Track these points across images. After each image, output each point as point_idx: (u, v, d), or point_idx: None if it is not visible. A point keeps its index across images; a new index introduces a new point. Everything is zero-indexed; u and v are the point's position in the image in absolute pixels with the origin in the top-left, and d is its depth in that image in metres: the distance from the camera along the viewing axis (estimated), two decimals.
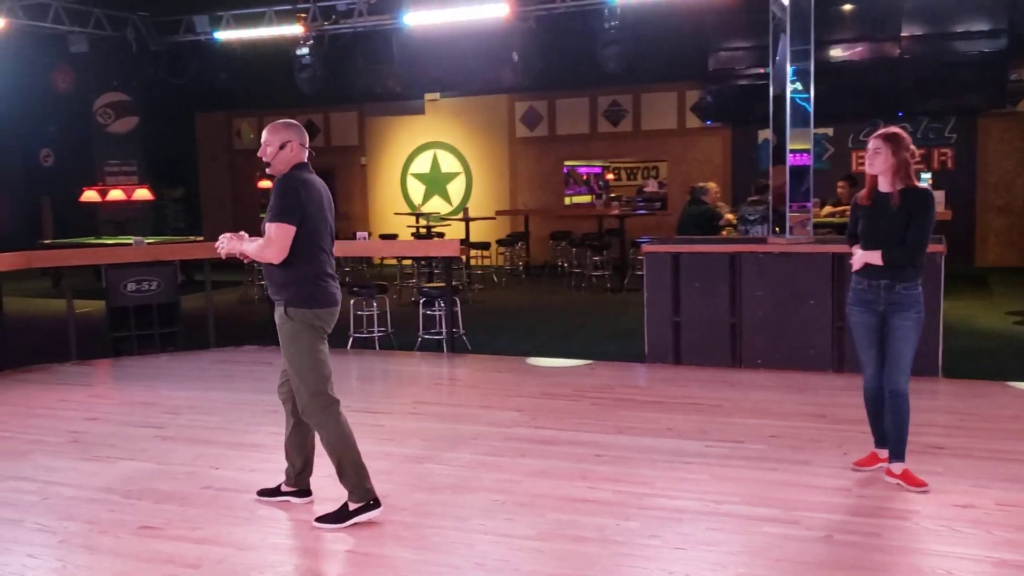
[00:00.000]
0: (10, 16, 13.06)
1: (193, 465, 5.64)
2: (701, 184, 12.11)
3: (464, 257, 11.97)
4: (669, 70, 15.63)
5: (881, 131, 5.07)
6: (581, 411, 6.95)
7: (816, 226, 9.11)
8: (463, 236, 15.72)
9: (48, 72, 16.44)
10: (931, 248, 5.21)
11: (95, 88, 16.36)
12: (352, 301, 9.73)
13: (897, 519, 4.67)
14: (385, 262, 17.49)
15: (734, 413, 6.78)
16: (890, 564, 4.15)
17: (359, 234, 10.94)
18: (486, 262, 15.63)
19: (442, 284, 9.71)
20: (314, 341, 4.85)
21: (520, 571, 4.16)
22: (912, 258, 5.03)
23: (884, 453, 5.28)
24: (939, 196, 10.19)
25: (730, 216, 11.71)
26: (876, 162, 5.03)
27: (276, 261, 4.71)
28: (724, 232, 11.36)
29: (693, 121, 16.59)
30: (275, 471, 5.61)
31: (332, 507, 4.83)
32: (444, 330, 9.51)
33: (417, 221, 16.62)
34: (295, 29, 14.05)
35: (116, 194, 16.19)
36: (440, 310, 9.60)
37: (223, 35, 14.64)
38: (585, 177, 20.28)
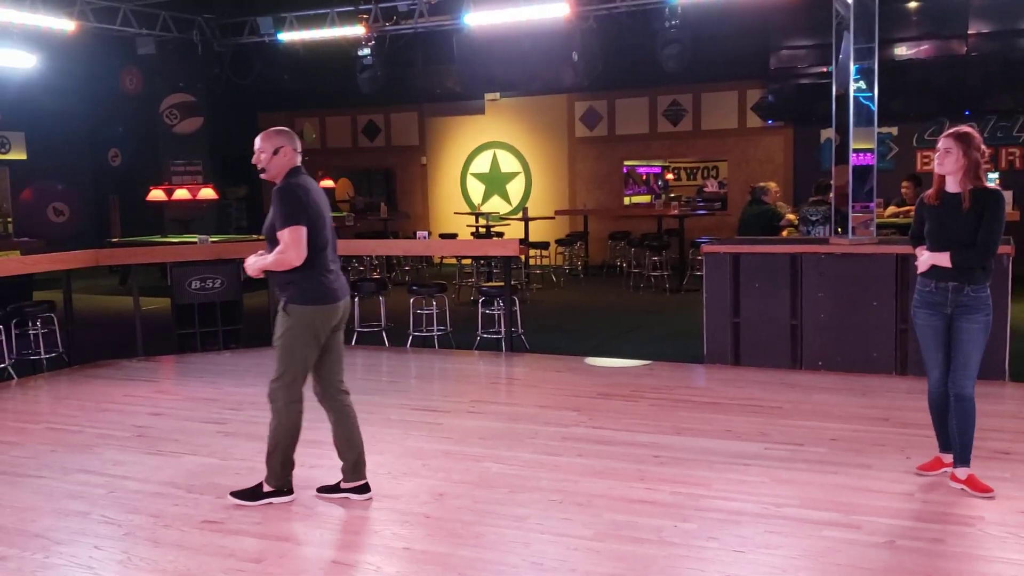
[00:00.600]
0: (81, 19, 13.37)
1: (254, 461, 5.73)
2: (762, 184, 11.97)
3: (523, 256, 11.99)
4: (730, 69, 15.49)
5: (952, 130, 4.98)
6: (639, 411, 6.93)
7: (879, 227, 8.97)
8: (522, 235, 15.72)
9: (117, 73, 16.78)
10: (999, 250, 5.10)
11: (161, 89, 16.65)
12: (412, 300, 9.82)
13: (962, 525, 4.58)
14: (445, 261, 17.58)
15: (794, 415, 6.71)
16: (954, 571, 4.08)
17: (419, 233, 11.02)
18: (545, 261, 15.64)
19: (501, 283, 9.73)
20: (308, 340, 5.01)
21: (577, 571, 4.16)
22: (982, 260, 4.93)
23: (948, 458, 5.19)
24: (1007, 196, 9.97)
25: (791, 216, 11.57)
26: (947, 162, 4.94)
27: (298, 262, 4.90)
28: (785, 233, 11.23)
29: (754, 120, 16.41)
30: (333, 467, 5.67)
31: (246, 487, 5.19)
32: (503, 329, 9.53)
33: (476, 220, 16.66)
34: (357, 30, 14.17)
35: (181, 193, 16.46)
36: (499, 309, 9.63)
37: (286, 36, 14.82)
38: (644, 177, 20.20)
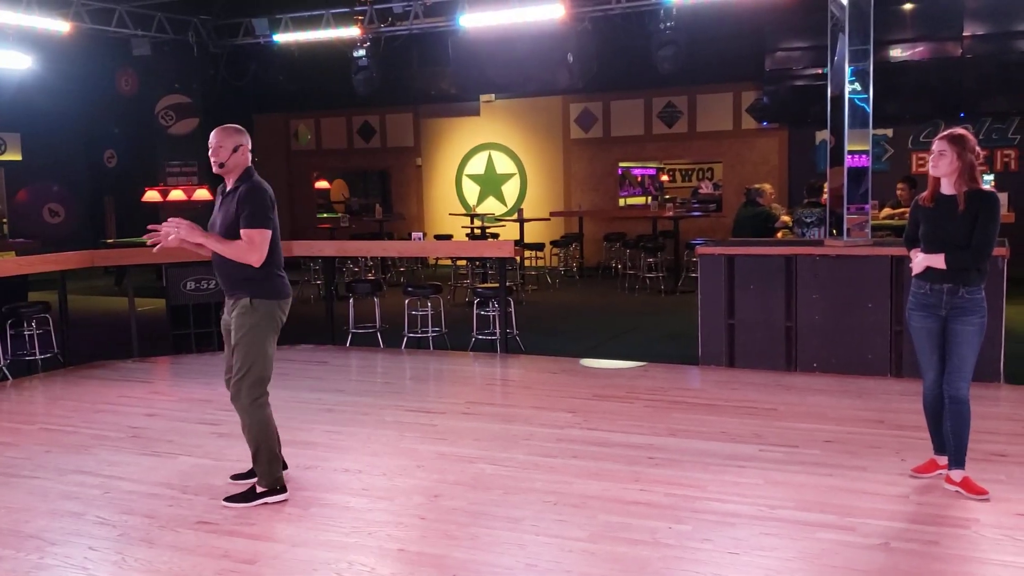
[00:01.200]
0: (76, 20, 13.36)
1: (248, 462, 5.70)
2: (756, 186, 12.00)
3: (518, 258, 11.98)
4: (725, 71, 15.51)
5: (946, 133, 4.98)
6: (634, 413, 6.93)
7: (874, 228, 8.98)
8: (517, 237, 15.75)
9: (112, 75, 16.78)
10: (994, 251, 5.10)
11: (157, 90, 16.65)
12: (407, 301, 9.81)
13: (956, 527, 4.59)
14: (440, 262, 17.58)
15: (789, 417, 6.72)
16: (948, 573, 4.08)
17: (414, 234, 11.00)
18: (540, 263, 15.64)
19: (496, 285, 9.73)
20: (270, 333, 5.13)
21: (572, 572, 4.16)
22: (977, 262, 4.94)
23: (943, 460, 5.20)
24: (1002, 198, 9.99)
25: (786, 218, 11.59)
26: (941, 164, 4.94)
27: (258, 264, 5.00)
28: (779, 234, 11.25)
29: (749, 122, 16.43)
30: (328, 469, 5.69)
31: (239, 492, 5.22)
32: (498, 330, 9.53)
33: (472, 222, 16.67)
34: (352, 31, 14.18)
35: (177, 194, 16.46)
36: (494, 311, 9.63)
37: (282, 38, 14.82)
38: (639, 178, 20.24)
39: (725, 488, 5.20)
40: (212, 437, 6.55)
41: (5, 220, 18.10)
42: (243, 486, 5.29)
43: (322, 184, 21.24)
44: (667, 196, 19.58)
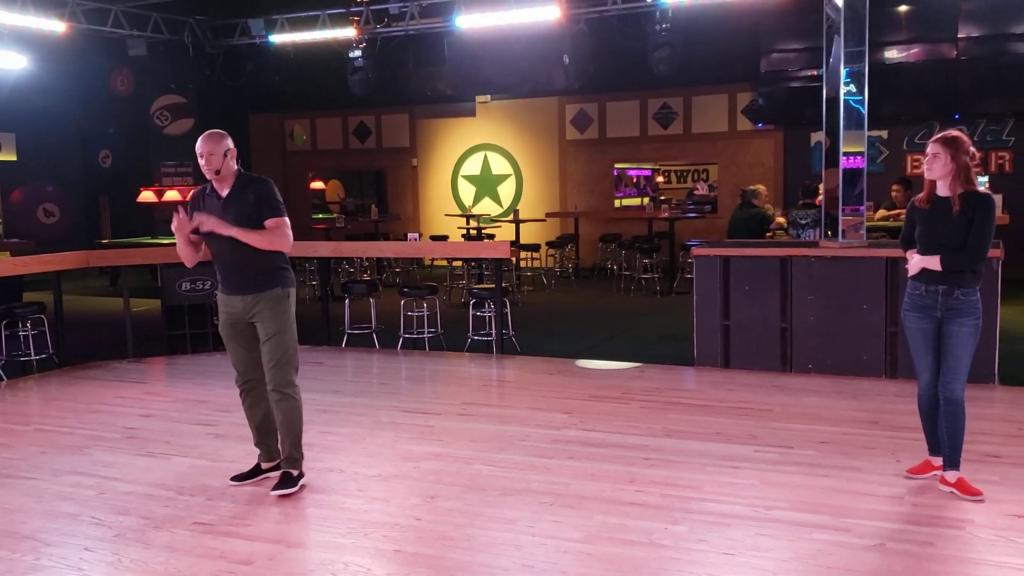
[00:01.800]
0: (71, 20, 13.34)
1: (244, 462, 5.72)
2: (752, 187, 12.01)
3: (514, 259, 11.99)
4: (720, 72, 15.54)
5: (939, 135, 5.00)
6: (630, 414, 6.94)
7: (869, 230, 8.99)
8: (513, 238, 15.74)
9: (108, 75, 16.74)
10: (989, 253, 5.12)
11: (152, 91, 16.63)
12: (403, 302, 9.81)
13: (951, 528, 4.60)
14: (435, 263, 17.58)
15: (784, 418, 6.73)
16: (943, 574, 4.10)
17: (410, 235, 11.01)
18: (536, 264, 15.64)
19: (492, 285, 9.74)
20: (294, 319, 5.39)
21: (567, 573, 4.17)
22: (972, 263, 4.95)
23: (938, 461, 5.21)
24: (997, 200, 10.02)
25: (780, 219, 11.60)
26: (935, 167, 4.95)
27: (288, 249, 5.27)
28: (770, 236, 11.26)
29: (744, 124, 16.46)
30: (324, 469, 5.69)
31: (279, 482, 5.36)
32: (494, 331, 9.54)
33: (467, 222, 16.67)
34: (348, 32, 14.17)
35: (172, 195, 16.43)
36: (490, 311, 9.63)
37: (277, 38, 14.82)
38: (635, 180, 20.25)
39: (720, 489, 5.21)
40: (208, 438, 6.55)
41: (0, 220, 18.07)
42: (275, 477, 5.42)
43: (318, 184, 21.22)
44: (663, 197, 19.59)
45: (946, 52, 14.00)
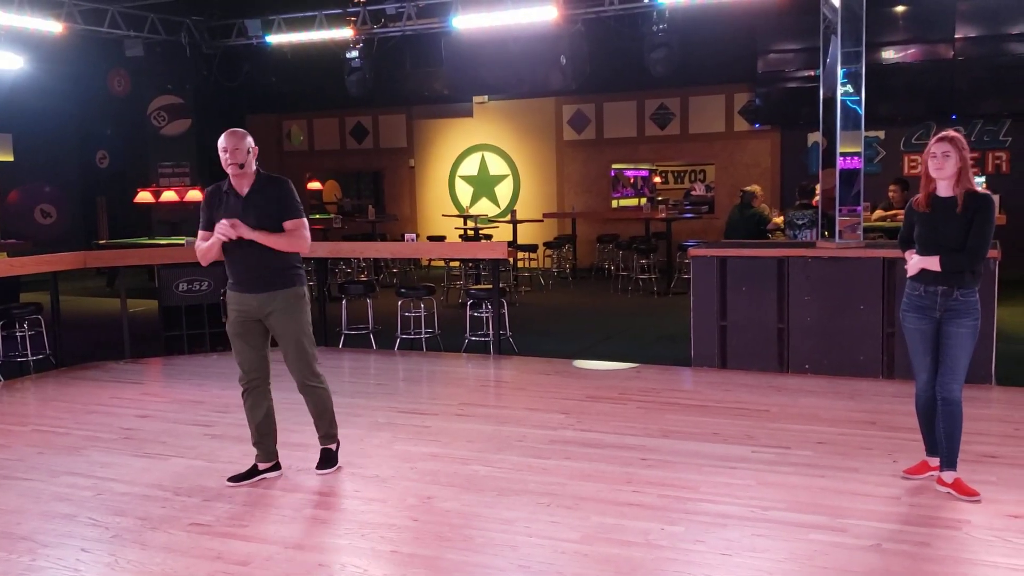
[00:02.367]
0: (68, 21, 13.33)
1: (240, 463, 5.71)
2: (748, 188, 12.03)
3: (511, 259, 11.98)
4: (717, 73, 15.54)
5: (943, 134, 4.98)
6: (627, 414, 6.94)
7: (866, 230, 9.00)
8: (510, 238, 15.74)
9: (104, 75, 16.72)
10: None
11: (149, 91, 16.62)
12: (400, 302, 9.81)
13: (948, 529, 4.61)
14: (433, 264, 17.58)
15: (781, 419, 6.73)
16: (940, 574, 4.10)
17: (407, 236, 11.00)
18: (533, 264, 15.65)
19: (489, 286, 9.74)
20: (310, 315, 5.58)
21: (564, 574, 4.17)
22: (972, 265, 4.95)
23: (935, 461, 5.21)
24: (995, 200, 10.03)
25: (778, 220, 11.61)
26: (947, 165, 4.94)
27: (306, 251, 5.42)
28: (770, 236, 11.28)
29: (741, 124, 16.47)
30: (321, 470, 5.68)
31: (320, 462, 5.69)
32: (491, 332, 9.53)
33: (465, 223, 16.67)
34: (345, 33, 14.17)
35: (169, 195, 16.42)
36: (487, 312, 9.63)
37: (274, 39, 14.81)
38: (632, 180, 20.25)
39: (717, 489, 5.22)
40: (205, 438, 6.54)
41: None
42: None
43: (315, 185, 21.19)
44: (660, 198, 19.59)
45: (943, 52, 14.01)
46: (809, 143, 15.48)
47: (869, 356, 7.95)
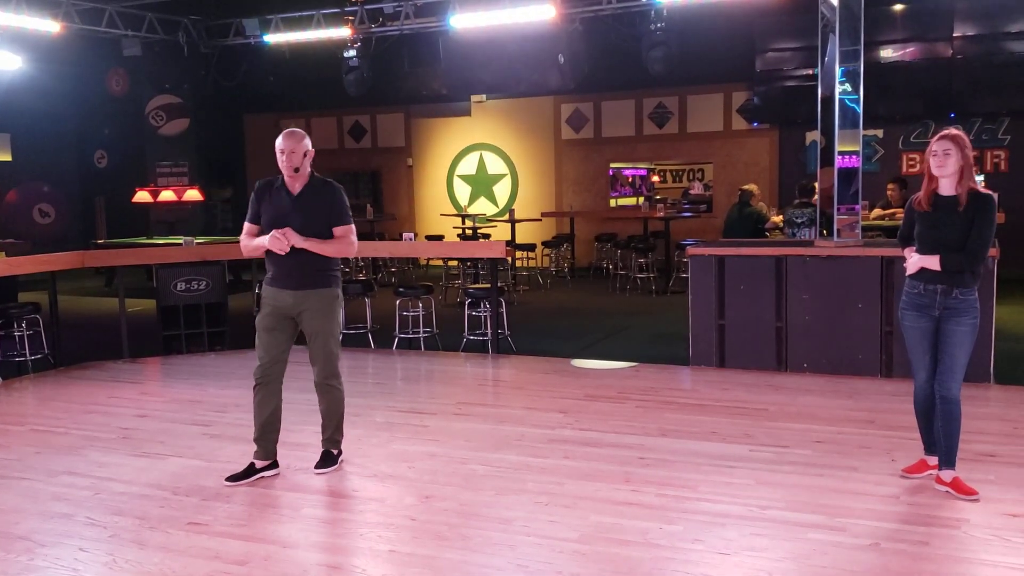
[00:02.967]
0: (66, 20, 13.32)
1: (239, 463, 5.71)
2: (746, 187, 12.03)
3: (509, 258, 12.00)
4: (715, 72, 15.54)
5: (945, 133, 4.97)
6: (625, 413, 6.94)
7: (865, 229, 9.00)
8: (509, 237, 15.73)
9: (102, 75, 16.73)
10: None
11: (148, 91, 16.61)
12: (398, 301, 9.80)
13: (946, 528, 4.60)
14: (431, 263, 17.58)
15: (779, 417, 6.73)
16: (938, 574, 4.10)
17: (405, 235, 11.00)
18: (531, 263, 15.65)
19: (487, 285, 9.73)
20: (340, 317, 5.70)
21: (563, 573, 4.16)
22: (972, 264, 4.95)
23: (934, 460, 5.21)
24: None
25: (776, 219, 11.61)
26: (949, 164, 4.93)
27: (353, 255, 5.65)
28: (768, 235, 11.28)
29: (739, 123, 16.46)
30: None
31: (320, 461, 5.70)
32: (489, 331, 9.53)
33: (463, 222, 16.66)
34: (343, 32, 14.17)
35: (167, 195, 16.42)
36: (485, 311, 9.63)
37: (272, 38, 14.81)
38: (630, 179, 20.23)
39: (716, 488, 5.21)
40: (203, 438, 6.54)
41: None
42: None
43: None
44: (658, 197, 19.56)
45: (941, 51, 14.02)
46: (807, 142, 15.49)
47: (867, 355, 7.95)
